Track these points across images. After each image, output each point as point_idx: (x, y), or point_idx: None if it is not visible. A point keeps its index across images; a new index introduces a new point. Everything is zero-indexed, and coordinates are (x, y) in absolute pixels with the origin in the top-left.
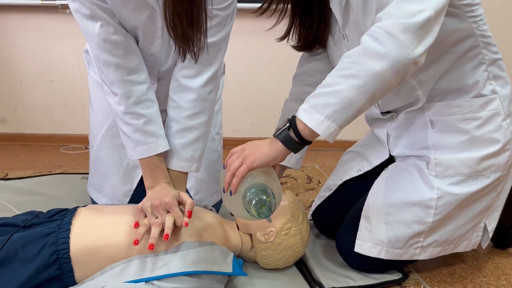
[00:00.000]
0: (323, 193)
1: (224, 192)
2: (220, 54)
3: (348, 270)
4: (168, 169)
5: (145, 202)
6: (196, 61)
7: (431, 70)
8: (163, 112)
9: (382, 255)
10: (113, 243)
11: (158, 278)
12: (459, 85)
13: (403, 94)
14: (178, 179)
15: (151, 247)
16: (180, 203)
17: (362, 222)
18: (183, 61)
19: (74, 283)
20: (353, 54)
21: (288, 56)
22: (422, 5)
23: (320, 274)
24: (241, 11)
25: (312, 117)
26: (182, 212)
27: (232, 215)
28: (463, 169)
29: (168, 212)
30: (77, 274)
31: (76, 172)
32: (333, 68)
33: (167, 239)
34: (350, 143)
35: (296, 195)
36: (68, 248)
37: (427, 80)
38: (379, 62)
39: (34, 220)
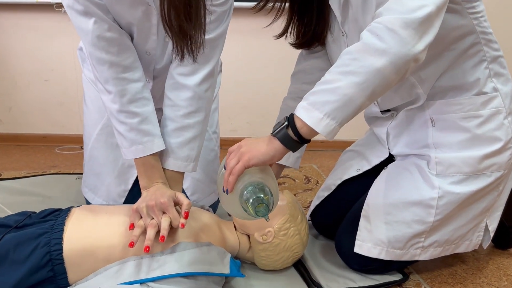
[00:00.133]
0: (322, 193)
1: (224, 192)
2: (217, 52)
3: (347, 271)
4: (164, 169)
5: (140, 203)
6: (194, 59)
7: (431, 68)
8: (159, 110)
9: (382, 256)
10: (108, 244)
11: (153, 280)
12: (460, 82)
13: (403, 92)
14: (174, 179)
15: (147, 249)
16: (177, 203)
17: (362, 222)
18: (181, 60)
19: (68, 285)
20: (353, 51)
21: (286, 55)
22: (423, 0)
23: (319, 275)
24: (239, 10)
25: (311, 115)
26: (179, 213)
27: (230, 215)
28: (464, 168)
29: (164, 213)
30: (71, 275)
31: (71, 172)
32: (332, 65)
33: (163, 241)
34: (348, 143)
35: (294, 195)
36: (61, 249)
37: (427, 77)
38: (380, 59)
39: (27, 221)
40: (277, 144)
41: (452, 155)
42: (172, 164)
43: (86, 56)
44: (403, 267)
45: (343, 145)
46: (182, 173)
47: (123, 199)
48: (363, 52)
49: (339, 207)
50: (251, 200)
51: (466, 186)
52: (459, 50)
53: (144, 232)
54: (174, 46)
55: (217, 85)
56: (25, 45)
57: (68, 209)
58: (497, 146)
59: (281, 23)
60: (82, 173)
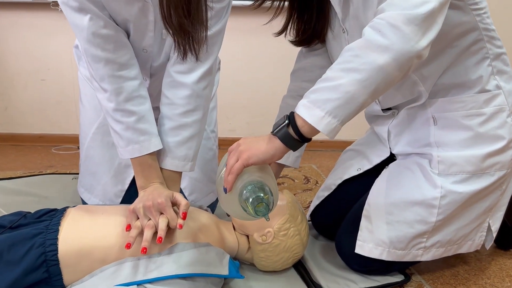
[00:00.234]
0: (322, 193)
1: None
2: (215, 49)
3: (348, 272)
4: (161, 169)
5: (137, 203)
6: (197, 58)
7: (433, 65)
8: (156, 109)
9: (384, 256)
10: (104, 245)
11: (150, 281)
12: (462, 80)
13: (405, 89)
14: (171, 179)
15: (144, 250)
16: (174, 204)
17: (363, 222)
18: (184, 59)
19: (63, 286)
20: (354, 47)
21: (286, 53)
22: None
23: (319, 277)
24: (238, 8)
25: (312, 113)
26: (176, 213)
27: (229, 215)
28: (467, 167)
29: (161, 213)
30: (66, 277)
31: (68, 172)
32: (332, 63)
33: (161, 242)
34: (348, 143)
35: (294, 195)
36: (56, 249)
37: (429, 75)
38: (382, 55)
39: (22, 221)
40: (277, 143)
41: (454, 154)
42: (169, 163)
43: (82, 54)
44: (404, 268)
45: (343, 145)
46: (180, 173)
47: (120, 199)
48: (365, 49)
49: (339, 207)
50: (250, 200)
51: (468, 185)
52: (462, 47)
53: (141, 233)
54: (176, 44)
55: (215, 83)
56: (21, 44)
57: (64, 209)
58: (500, 144)
59: (280, 21)
60: (78, 173)
